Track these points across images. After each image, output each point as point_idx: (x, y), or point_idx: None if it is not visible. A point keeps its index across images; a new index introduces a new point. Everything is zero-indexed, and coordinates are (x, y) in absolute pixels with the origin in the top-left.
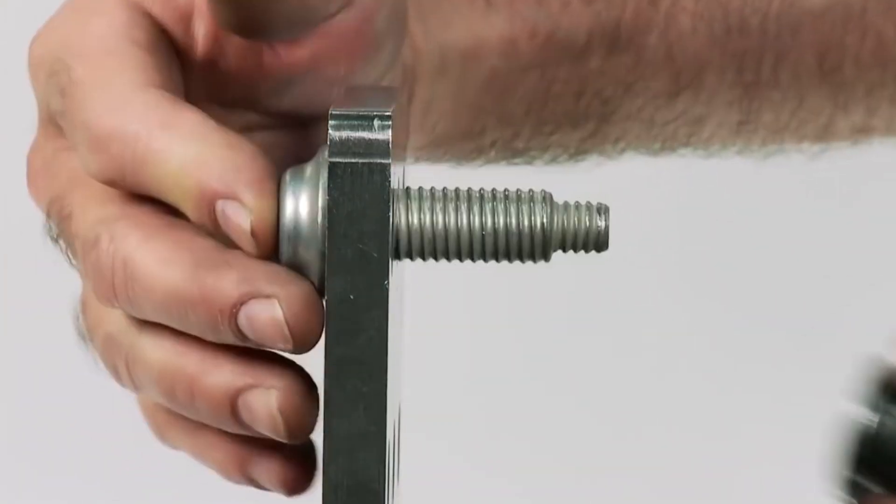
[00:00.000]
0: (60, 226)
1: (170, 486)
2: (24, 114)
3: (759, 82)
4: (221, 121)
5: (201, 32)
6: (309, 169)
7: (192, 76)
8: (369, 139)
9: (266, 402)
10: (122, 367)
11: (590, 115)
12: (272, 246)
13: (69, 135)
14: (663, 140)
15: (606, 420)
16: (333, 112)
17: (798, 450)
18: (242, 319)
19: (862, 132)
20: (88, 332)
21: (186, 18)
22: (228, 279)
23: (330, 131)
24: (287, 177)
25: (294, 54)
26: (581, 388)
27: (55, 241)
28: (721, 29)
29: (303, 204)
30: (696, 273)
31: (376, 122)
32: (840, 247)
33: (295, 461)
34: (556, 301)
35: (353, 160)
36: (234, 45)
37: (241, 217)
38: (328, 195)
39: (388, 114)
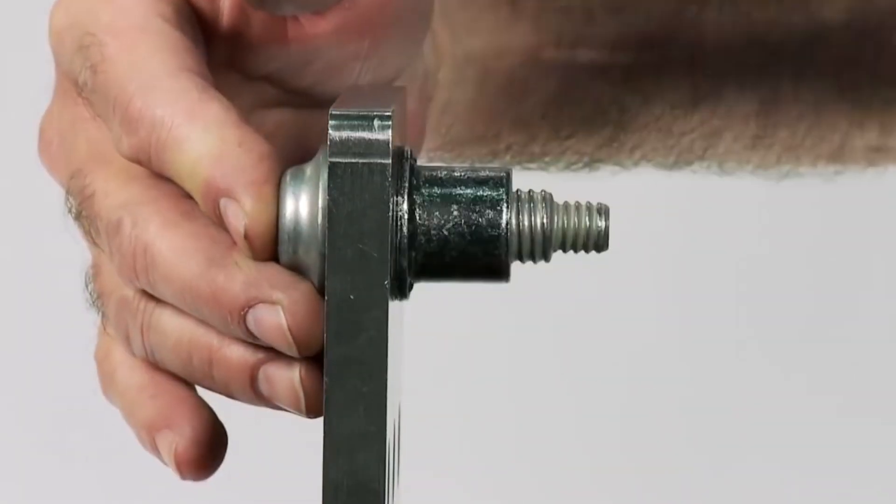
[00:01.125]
0: (82, 205)
1: (169, 486)
2: (16, 105)
3: (778, 97)
4: (238, 92)
5: (227, 3)
6: (309, 169)
7: (215, 45)
8: (369, 139)
9: (289, 375)
10: (136, 332)
11: (607, 122)
12: (266, 250)
13: (101, 110)
14: (679, 153)
15: (607, 420)
16: (333, 112)
17: (798, 450)
18: (251, 322)
19: (877, 152)
20: (101, 296)
21: None
22: (237, 281)
23: (330, 131)
24: (287, 177)
25: (318, 26)
26: (581, 388)
27: (76, 218)
28: (742, 42)
29: (303, 204)
30: (696, 272)
31: (376, 122)
32: (839, 251)
33: (202, 445)
34: (556, 301)
35: (353, 160)
36: (259, 16)
37: (238, 219)
38: (328, 195)
39: (388, 114)
